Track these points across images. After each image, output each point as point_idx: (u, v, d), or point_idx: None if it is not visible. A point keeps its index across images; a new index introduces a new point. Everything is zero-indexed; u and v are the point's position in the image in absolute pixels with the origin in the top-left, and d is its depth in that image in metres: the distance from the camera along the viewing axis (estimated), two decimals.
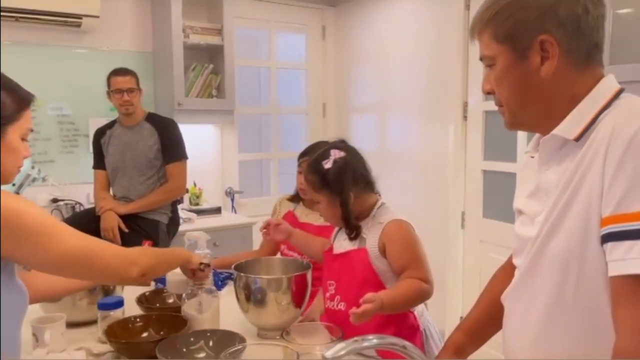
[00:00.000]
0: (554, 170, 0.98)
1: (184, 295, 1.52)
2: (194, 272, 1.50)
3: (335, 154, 1.50)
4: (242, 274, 1.52)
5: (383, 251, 1.44)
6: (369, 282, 1.44)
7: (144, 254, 1.28)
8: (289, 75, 4.26)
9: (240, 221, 3.43)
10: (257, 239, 3.51)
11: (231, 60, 3.52)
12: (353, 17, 4.01)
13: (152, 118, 2.96)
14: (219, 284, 1.95)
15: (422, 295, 1.40)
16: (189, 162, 3.01)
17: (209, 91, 3.52)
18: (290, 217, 2.04)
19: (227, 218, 3.49)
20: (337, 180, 1.47)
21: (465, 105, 3.19)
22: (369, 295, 1.23)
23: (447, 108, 3.26)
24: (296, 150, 4.27)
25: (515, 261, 1.09)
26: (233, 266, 1.59)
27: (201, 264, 1.49)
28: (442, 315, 3.20)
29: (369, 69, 3.90)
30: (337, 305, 1.49)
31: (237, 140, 3.89)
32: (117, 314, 1.51)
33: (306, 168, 1.55)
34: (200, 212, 3.43)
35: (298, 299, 1.50)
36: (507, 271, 1.26)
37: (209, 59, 3.59)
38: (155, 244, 2.88)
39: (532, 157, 1.07)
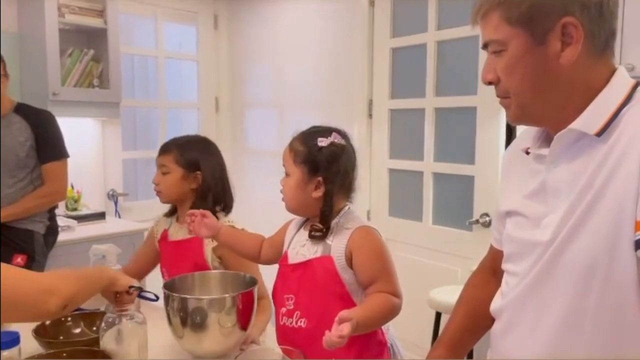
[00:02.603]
0: (565, 168, 0.89)
1: (102, 324, 1.24)
2: (116, 296, 1.23)
3: (336, 137, 1.33)
4: (175, 295, 1.27)
5: (350, 260, 1.28)
6: (335, 294, 1.27)
7: (62, 279, 0.99)
8: (179, 67, 3.93)
9: (129, 227, 3.05)
10: None
11: (115, 46, 3.13)
12: (249, 6, 3.79)
13: (22, 110, 2.50)
14: None
15: (395, 312, 1.27)
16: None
17: (89, 80, 3.09)
18: (163, 239, 1.81)
19: (113, 224, 3.10)
20: (327, 162, 1.30)
21: (370, 103, 3.15)
22: (345, 313, 1.07)
23: (352, 106, 3.19)
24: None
25: (510, 267, 1.00)
26: (162, 285, 1.33)
27: (131, 287, 1.22)
28: None
29: (266, 62, 3.71)
30: (296, 323, 1.30)
31: (120, 137, 3.49)
32: (11, 356, 1.18)
33: (298, 136, 1.36)
34: (81, 219, 3.00)
35: (244, 320, 1.29)
36: (484, 278, 1.18)
37: (88, 43, 3.16)
38: (30, 258, 2.45)
39: (528, 153, 0.99)
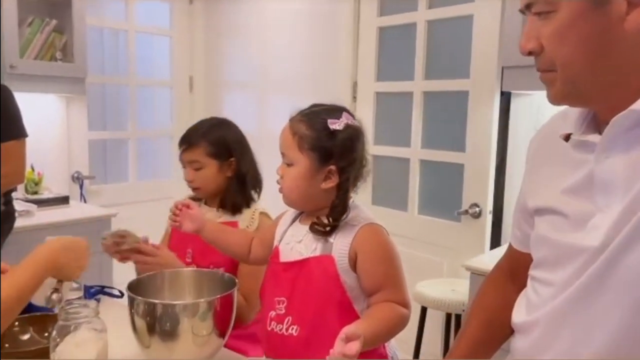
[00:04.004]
0: (621, 158, 0.74)
1: (54, 332, 1.06)
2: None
3: (349, 118, 1.14)
4: (140, 299, 1.09)
5: (353, 262, 1.12)
6: (334, 300, 1.11)
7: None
8: (151, 43, 3.68)
9: (96, 213, 2.84)
10: None
11: (81, 17, 2.88)
12: None
13: None
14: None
15: (403, 325, 1.11)
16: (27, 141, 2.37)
17: (51, 53, 2.84)
18: None
19: (78, 210, 2.87)
20: (341, 149, 1.11)
21: (354, 85, 2.98)
22: (352, 329, 0.90)
23: (335, 88, 3.02)
24: (159, 129, 3.81)
25: (543, 275, 0.85)
26: (126, 286, 1.15)
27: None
28: None
29: (245, 40, 3.50)
30: (286, 330, 1.13)
31: (86, 115, 3.24)
32: None
33: (299, 117, 1.16)
34: (41, 203, 2.77)
35: (222, 326, 1.13)
36: (501, 282, 1.04)
37: (50, 13, 2.90)
38: None
39: (568, 139, 0.84)
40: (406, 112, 2.75)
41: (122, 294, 1.61)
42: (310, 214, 1.18)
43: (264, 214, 1.61)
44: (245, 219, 1.60)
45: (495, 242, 2.51)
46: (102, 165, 3.66)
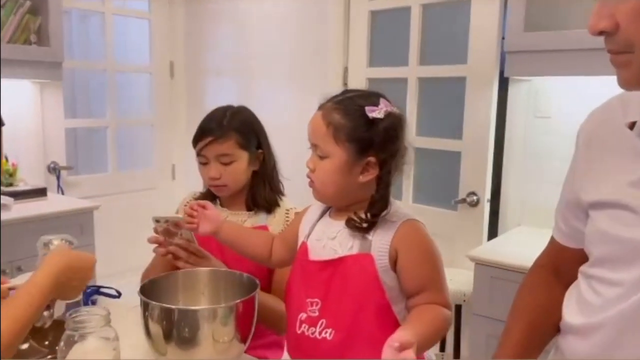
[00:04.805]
0: None
1: (61, 342, 0.96)
2: None
3: (387, 105, 1.04)
4: (155, 304, 1.00)
5: (394, 261, 1.03)
6: (373, 302, 1.02)
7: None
8: (129, 26, 3.52)
9: (76, 205, 2.69)
10: (102, 228, 2.83)
11: None
12: None
13: None
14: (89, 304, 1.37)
15: (447, 328, 1.04)
16: None
17: (25, 36, 2.67)
18: None
19: (57, 202, 2.72)
20: (384, 139, 1.01)
21: (345, 71, 2.90)
22: (404, 336, 0.83)
23: (325, 74, 2.93)
24: (137, 118, 3.65)
25: (607, 274, 0.79)
26: (139, 289, 1.05)
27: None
28: None
29: (229, 24, 3.37)
30: (319, 333, 1.04)
31: (62, 102, 3.08)
32: None
33: (331, 104, 1.06)
34: (17, 196, 2.60)
35: (244, 331, 1.04)
36: (544, 280, 0.98)
37: None
38: None
39: (633, 127, 0.78)
40: (400, 98, 2.68)
41: (120, 294, 1.51)
42: (343, 209, 1.10)
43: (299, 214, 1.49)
44: (279, 221, 1.45)
45: (493, 230, 2.48)
46: (80, 155, 3.49)
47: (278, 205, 1.47)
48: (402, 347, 0.79)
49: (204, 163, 1.44)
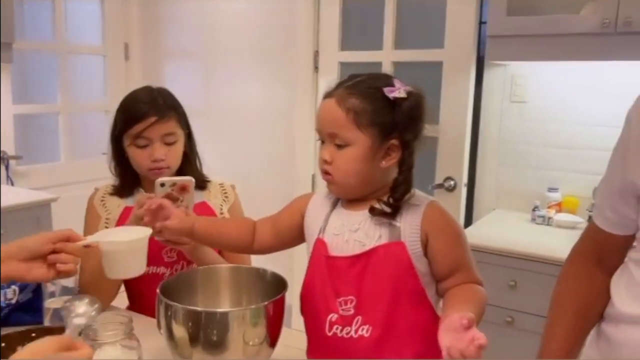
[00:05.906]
0: None
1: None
2: None
3: (403, 84, 1.00)
4: (180, 306, 0.92)
5: (425, 246, 0.99)
6: (409, 291, 0.98)
7: None
8: (78, 4, 3.28)
9: (30, 198, 2.49)
10: (59, 222, 2.63)
11: None
12: None
13: None
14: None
15: (485, 305, 1.01)
16: None
17: None
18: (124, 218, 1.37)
19: (11, 195, 2.50)
20: (408, 119, 0.97)
21: (316, 54, 2.83)
22: (466, 315, 0.77)
23: (293, 57, 2.85)
24: (91, 102, 3.43)
25: None
26: (158, 289, 0.96)
27: None
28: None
29: (190, 2, 3.20)
30: (355, 332, 0.99)
31: (10, 86, 2.83)
32: None
33: (343, 89, 1.00)
34: None
35: (273, 333, 0.97)
36: (586, 269, 0.96)
37: None
38: None
39: None
40: None
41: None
42: (360, 199, 1.04)
43: (234, 187, 1.51)
44: (216, 195, 1.45)
45: (468, 215, 2.50)
46: (30, 143, 3.25)
47: (209, 180, 1.48)
48: (470, 325, 0.75)
49: (143, 146, 1.34)
